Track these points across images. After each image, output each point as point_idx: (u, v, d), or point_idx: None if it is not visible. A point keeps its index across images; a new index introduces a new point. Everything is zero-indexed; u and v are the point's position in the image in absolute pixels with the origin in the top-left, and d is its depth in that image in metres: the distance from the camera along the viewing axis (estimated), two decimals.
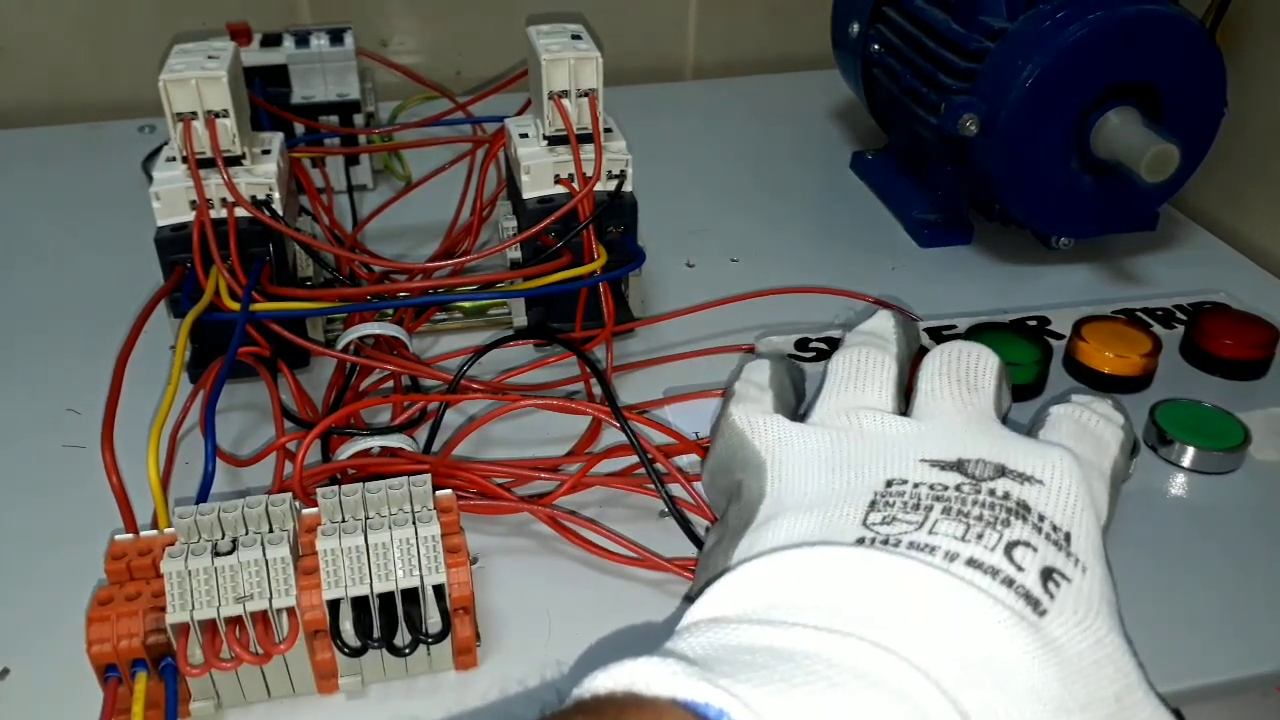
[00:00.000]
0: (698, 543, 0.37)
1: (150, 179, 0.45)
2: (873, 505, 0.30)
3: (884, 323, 0.39)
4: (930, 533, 0.28)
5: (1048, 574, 0.27)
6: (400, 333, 0.46)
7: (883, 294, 0.53)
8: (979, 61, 0.52)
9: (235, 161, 0.45)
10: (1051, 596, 0.27)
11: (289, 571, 0.31)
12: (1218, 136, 0.53)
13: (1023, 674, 0.25)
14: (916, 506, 0.29)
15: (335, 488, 0.33)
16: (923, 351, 0.38)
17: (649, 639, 0.24)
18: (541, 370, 0.47)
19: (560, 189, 0.47)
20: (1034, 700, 0.24)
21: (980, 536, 0.28)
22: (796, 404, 0.39)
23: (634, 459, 0.41)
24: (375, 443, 0.41)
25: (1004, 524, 0.28)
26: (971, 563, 0.27)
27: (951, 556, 0.27)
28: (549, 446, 0.43)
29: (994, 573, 0.27)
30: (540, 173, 0.47)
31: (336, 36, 0.61)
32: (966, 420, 0.33)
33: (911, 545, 0.28)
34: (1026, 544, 0.28)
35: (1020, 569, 0.27)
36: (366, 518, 0.33)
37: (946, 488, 0.30)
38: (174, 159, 0.45)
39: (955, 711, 0.23)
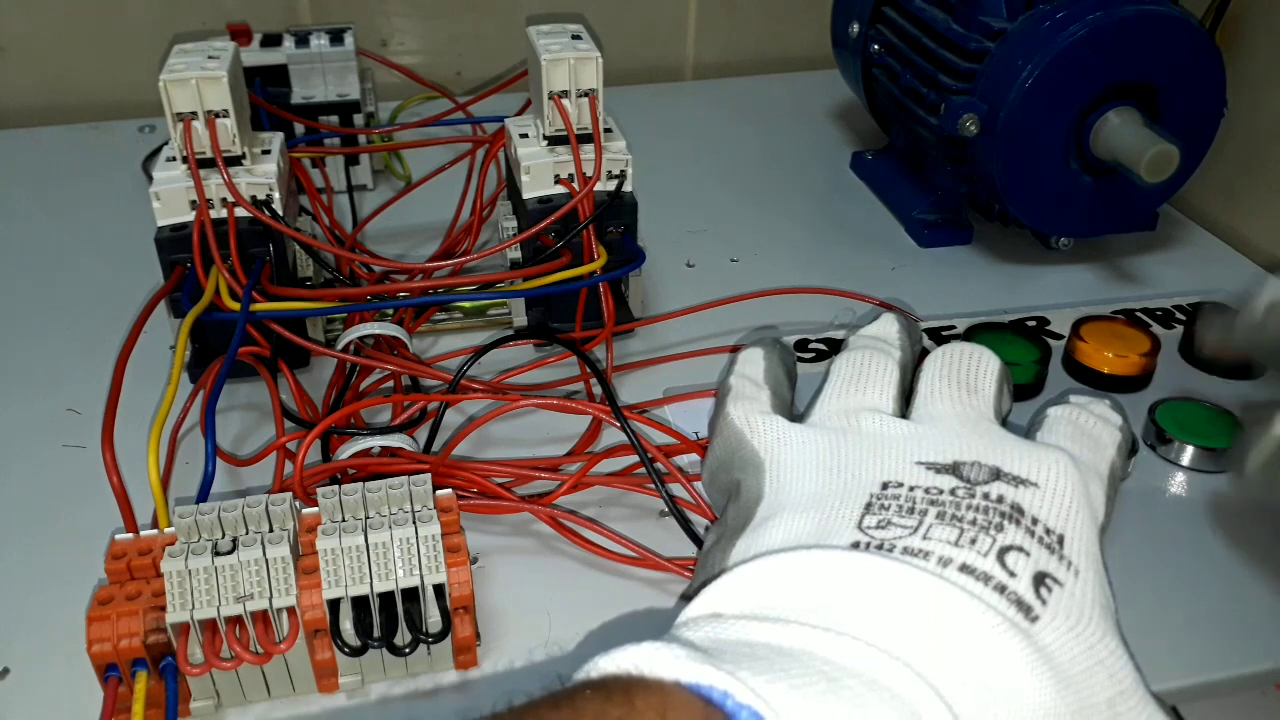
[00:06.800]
0: (698, 542, 0.37)
1: (150, 179, 0.45)
2: (868, 508, 0.30)
3: (888, 327, 0.39)
4: (924, 538, 0.28)
5: (1040, 579, 0.27)
6: (400, 333, 0.46)
7: (882, 294, 0.53)
8: (979, 62, 0.52)
9: (235, 161, 0.45)
10: (1043, 602, 0.27)
11: (289, 571, 0.31)
12: (1217, 136, 0.53)
13: (1014, 681, 0.25)
14: (911, 510, 0.29)
15: (335, 487, 0.33)
16: (925, 354, 0.38)
17: (649, 635, 0.24)
18: (541, 370, 0.47)
19: (560, 189, 0.47)
20: (1025, 708, 0.24)
21: (973, 542, 0.28)
22: (791, 391, 0.39)
23: (634, 459, 0.41)
24: (375, 442, 0.41)
25: (997, 529, 0.28)
26: (964, 569, 0.27)
27: (945, 562, 0.27)
28: (549, 446, 0.43)
29: (986, 579, 0.27)
30: (540, 173, 0.47)
31: (336, 36, 0.61)
32: (964, 422, 0.33)
33: (905, 550, 0.28)
34: (1019, 549, 0.28)
35: (1012, 575, 0.27)
36: (366, 517, 0.33)
37: (941, 491, 0.30)
38: (174, 159, 0.45)
39: (950, 715, 0.23)
